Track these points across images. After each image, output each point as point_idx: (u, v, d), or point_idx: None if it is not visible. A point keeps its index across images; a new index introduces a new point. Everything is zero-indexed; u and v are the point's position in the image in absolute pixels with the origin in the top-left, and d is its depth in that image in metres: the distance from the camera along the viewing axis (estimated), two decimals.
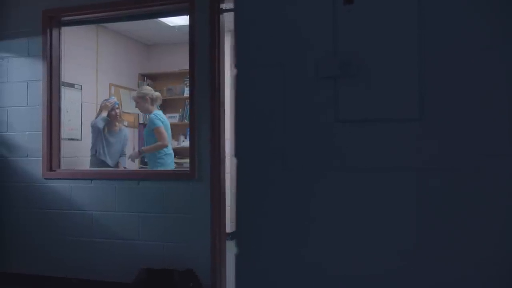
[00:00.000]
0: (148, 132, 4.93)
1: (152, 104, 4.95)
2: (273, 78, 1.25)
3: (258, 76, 1.26)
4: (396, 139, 1.16)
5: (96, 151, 5.13)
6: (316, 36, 1.21)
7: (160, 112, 4.96)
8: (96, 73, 6.24)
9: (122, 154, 5.38)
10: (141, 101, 4.97)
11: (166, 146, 4.81)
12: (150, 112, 4.94)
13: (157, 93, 5.10)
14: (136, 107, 5.22)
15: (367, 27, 1.18)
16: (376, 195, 1.17)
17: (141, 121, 7.13)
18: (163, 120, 4.86)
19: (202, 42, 3.87)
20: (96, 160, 5.11)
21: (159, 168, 4.76)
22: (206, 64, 3.84)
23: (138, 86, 7.11)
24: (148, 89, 5.12)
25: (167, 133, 4.86)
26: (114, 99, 5.49)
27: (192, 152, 3.90)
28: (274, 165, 1.24)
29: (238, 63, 1.29)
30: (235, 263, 1.29)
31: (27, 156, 4.36)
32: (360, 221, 1.18)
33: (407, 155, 1.15)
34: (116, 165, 5.25)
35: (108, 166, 5.11)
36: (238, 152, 1.27)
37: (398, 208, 1.16)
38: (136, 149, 5.25)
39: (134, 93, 5.18)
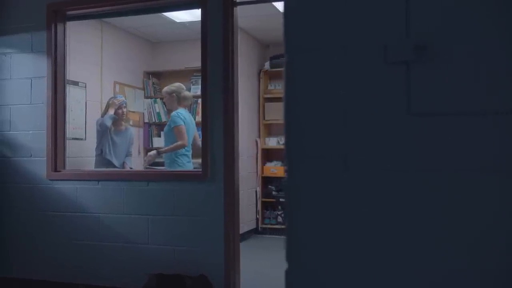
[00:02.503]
0: (168, 131, 4.73)
1: (178, 103, 4.73)
2: (331, 63, 1.07)
3: (313, 62, 1.08)
4: (482, 135, 0.98)
5: (101, 151, 4.96)
6: (385, 14, 1.03)
7: (183, 111, 4.72)
8: (100, 70, 6.06)
9: (128, 154, 5.22)
10: (168, 97, 4.75)
11: (185, 146, 4.60)
12: (174, 110, 4.74)
13: (187, 93, 4.84)
14: (163, 101, 5.00)
15: (446, 3, 1.00)
16: (457, 201, 0.99)
17: (146, 120, 6.94)
18: (185, 118, 4.64)
19: (215, 36, 3.69)
20: (102, 159, 4.94)
21: (176, 169, 4.56)
22: (219, 59, 3.67)
23: (143, 84, 6.94)
24: (178, 87, 4.82)
25: (192, 133, 4.66)
26: (122, 97, 5.32)
27: (204, 151, 3.73)
28: (333, 166, 1.06)
29: (288, 48, 1.11)
30: (285, 281, 1.10)
31: (30, 156, 4.18)
32: (439, 231, 1.00)
33: (496, 154, 0.97)
34: (122, 165, 5.07)
35: (114, 166, 4.93)
36: (290, 151, 1.09)
37: (483, 215, 0.98)
38: (155, 150, 5.03)
39: (165, 87, 4.94)
